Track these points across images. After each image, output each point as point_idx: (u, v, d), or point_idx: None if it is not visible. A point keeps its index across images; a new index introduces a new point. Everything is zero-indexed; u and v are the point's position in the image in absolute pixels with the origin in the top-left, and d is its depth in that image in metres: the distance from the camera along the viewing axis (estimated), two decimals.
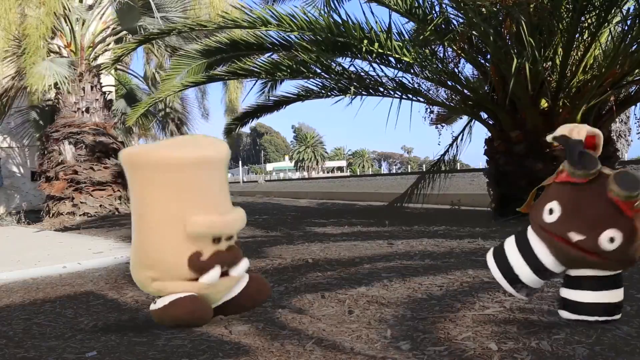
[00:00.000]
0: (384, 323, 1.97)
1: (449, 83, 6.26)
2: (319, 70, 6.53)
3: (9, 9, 7.59)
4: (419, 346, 1.71)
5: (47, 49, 9.26)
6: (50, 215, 9.11)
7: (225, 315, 2.18)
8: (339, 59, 6.48)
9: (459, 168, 14.01)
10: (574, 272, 1.79)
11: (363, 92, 6.65)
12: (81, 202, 9.06)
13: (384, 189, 13.02)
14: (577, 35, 5.36)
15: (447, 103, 6.93)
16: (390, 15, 5.89)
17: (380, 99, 6.66)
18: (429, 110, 7.17)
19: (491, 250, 1.88)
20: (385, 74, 6.40)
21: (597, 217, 1.64)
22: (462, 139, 7.43)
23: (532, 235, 1.79)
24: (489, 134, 6.28)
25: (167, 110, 11.90)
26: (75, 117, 9.40)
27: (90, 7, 9.65)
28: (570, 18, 5.22)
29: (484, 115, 6.43)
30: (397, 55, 5.83)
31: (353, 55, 6.19)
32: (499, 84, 5.80)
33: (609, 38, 5.66)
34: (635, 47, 5.18)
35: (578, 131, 1.72)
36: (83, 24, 9.60)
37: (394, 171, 65.49)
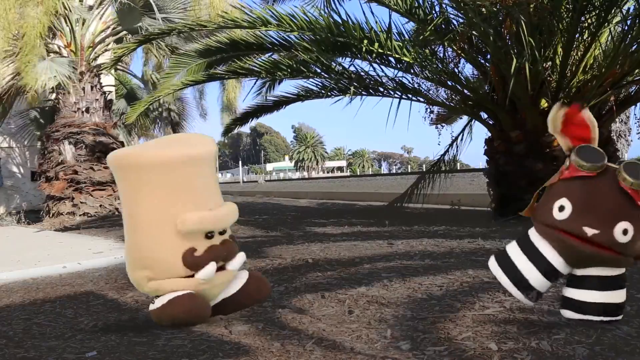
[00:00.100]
0: (384, 323, 1.97)
1: (449, 83, 6.26)
2: (319, 70, 6.53)
3: (8, 9, 7.59)
4: (419, 346, 1.71)
5: (47, 49, 9.27)
6: (50, 215, 9.10)
7: (225, 314, 2.18)
8: (339, 59, 6.48)
9: (459, 168, 14.01)
10: (579, 272, 1.78)
11: (363, 92, 6.65)
12: (81, 202, 9.06)
13: (384, 189, 13.03)
14: (577, 35, 5.36)
15: (447, 103, 6.93)
16: (390, 15, 5.90)
17: (380, 99, 6.66)
18: (429, 110, 7.17)
19: (493, 258, 1.85)
20: (385, 74, 6.40)
21: (610, 209, 1.63)
22: (462, 139, 7.44)
23: (536, 238, 1.77)
24: (489, 134, 6.28)
25: (166, 110, 11.90)
26: (75, 117, 9.39)
27: (91, 8, 9.65)
28: (570, 18, 5.22)
29: (484, 115, 6.43)
30: (397, 55, 5.83)
31: (353, 55, 6.19)
32: (499, 84, 5.80)
33: (609, 38, 5.66)
34: (635, 47, 5.18)
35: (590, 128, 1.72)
36: (83, 24, 9.59)
37: (394, 171, 65.53)
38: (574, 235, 1.66)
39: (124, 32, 9.88)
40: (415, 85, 6.54)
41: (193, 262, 2.00)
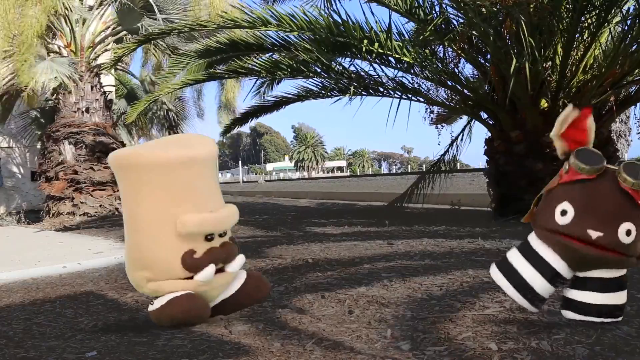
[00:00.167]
0: (384, 323, 1.97)
1: (449, 83, 6.26)
2: (319, 70, 6.53)
3: (8, 9, 7.59)
4: (419, 346, 1.71)
5: (47, 49, 9.27)
6: (50, 215, 9.10)
7: (225, 314, 2.18)
8: (339, 59, 6.48)
9: (459, 168, 14.01)
10: (581, 274, 1.77)
11: (363, 92, 6.65)
12: (81, 202, 9.06)
13: (384, 189, 13.03)
14: (577, 35, 5.36)
15: (447, 103, 6.93)
16: (390, 15, 5.90)
17: (380, 99, 6.66)
18: (429, 110, 7.18)
19: (494, 266, 1.84)
20: (385, 74, 6.40)
21: (612, 211, 1.63)
22: (462, 139, 7.44)
23: (537, 243, 1.76)
24: (489, 134, 6.28)
25: (165, 109, 11.89)
26: (75, 117, 9.39)
27: (91, 8, 9.65)
28: (570, 18, 5.22)
29: (484, 115, 6.43)
30: (397, 56, 5.83)
31: (353, 55, 6.19)
32: (499, 84, 5.80)
33: (609, 38, 5.66)
34: (635, 47, 5.18)
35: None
36: (83, 24, 9.60)
37: (394, 171, 65.49)
38: (578, 239, 1.65)
39: (124, 32, 9.88)
40: (415, 85, 6.54)
41: (192, 264, 2.00)
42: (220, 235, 2.10)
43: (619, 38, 5.32)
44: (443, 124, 7.77)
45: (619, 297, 1.77)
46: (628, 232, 1.62)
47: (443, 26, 5.93)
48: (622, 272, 1.76)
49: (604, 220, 1.62)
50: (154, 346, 1.88)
